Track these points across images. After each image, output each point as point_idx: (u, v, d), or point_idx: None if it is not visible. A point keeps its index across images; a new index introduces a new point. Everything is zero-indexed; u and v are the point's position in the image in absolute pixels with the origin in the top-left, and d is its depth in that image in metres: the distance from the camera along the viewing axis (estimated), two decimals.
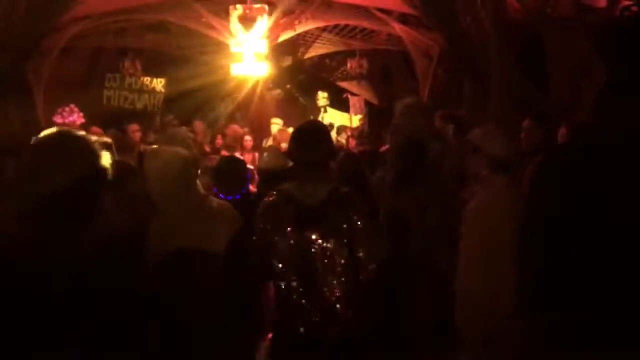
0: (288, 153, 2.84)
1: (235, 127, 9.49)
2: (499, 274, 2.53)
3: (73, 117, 8.53)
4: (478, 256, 2.91)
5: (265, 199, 2.79)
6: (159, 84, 9.66)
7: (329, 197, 2.69)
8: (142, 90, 9.58)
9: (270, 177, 4.31)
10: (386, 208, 3.56)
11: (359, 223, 2.68)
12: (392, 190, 3.56)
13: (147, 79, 9.70)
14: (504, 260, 2.35)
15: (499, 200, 2.92)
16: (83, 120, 8.58)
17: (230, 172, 3.97)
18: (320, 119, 10.37)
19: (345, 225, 2.66)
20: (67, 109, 8.51)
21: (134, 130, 8.73)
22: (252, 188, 5.83)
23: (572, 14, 5.80)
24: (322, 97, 10.45)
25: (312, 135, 2.80)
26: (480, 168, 3.04)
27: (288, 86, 12.64)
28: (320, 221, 2.65)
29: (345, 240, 2.66)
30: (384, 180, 3.77)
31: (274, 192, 2.78)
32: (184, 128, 5.74)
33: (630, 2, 5.27)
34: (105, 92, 9.48)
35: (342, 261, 2.66)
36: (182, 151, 3.03)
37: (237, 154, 8.64)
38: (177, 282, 2.65)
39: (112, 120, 9.29)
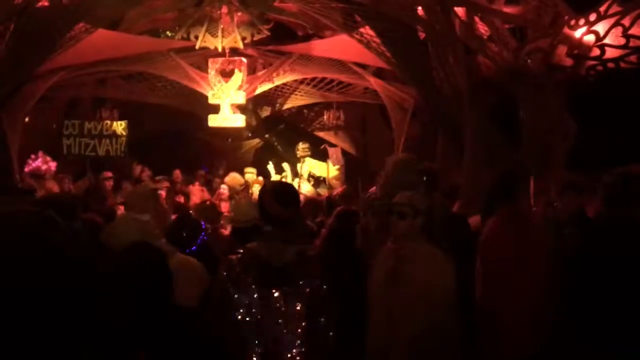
0: (261, 209, 2.78)
1: (234, 175, 9.53)
2: None
3: (40, 163, 8.46)
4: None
5: (231, 257, 2.76)
6: (119, 127, 9.09)
7: (296, 258, 2.67)
8: (103, 135, 9.03)
9: (240, 232, 4.33)
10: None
11: (323, 288, 2.68)
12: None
13: (107, 123, 9.22)
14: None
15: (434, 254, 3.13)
16: (52, 164, 8.48)
17: (180, 228, 4.06)
18: (298, 168, 10.43)
19: (308, 289, 2.64)
20: (33, 156, 8.44)
21: (106, 177, 8.67)
22: (224, 231, 5.84)
23: (542, 71, 6.03)
24: (301, 148, 10.53)
25: (288, 195, 2.79)
26: (413, 229, 3.14)
27: (267, 136, 12.76)
28: (285, 282, 2.62)
29: (307, 304, 2.63)
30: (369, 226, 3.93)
31: (241, 250, 2.75)
32: (149, 186, 5.57)
33: (596, 62, 5.52)
34: (65, 141, 8.91)
35: (304, 324, 2.62)
36: (139, 220, 3.11)
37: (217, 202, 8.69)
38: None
39: (88, 167, 9.26)
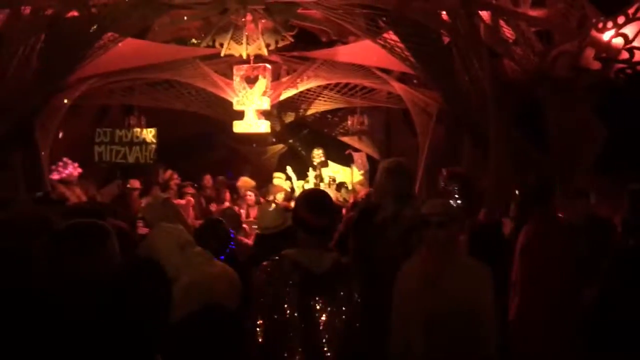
0: (295, 217, 2.78)
1: (245, 179, 9.62)
2: None
3: (68, 169, 8.62)
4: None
5: (265, 264, 2.74)
6: (149, 134, 9.42)
7: (333, 266, 2.69)
8: (133, 142, 9.38)
9: (265, 239, 4.37)
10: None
11: (356, 295, 2.70)
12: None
13: (137, 130, 9.51)
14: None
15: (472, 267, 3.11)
16: (79, 171, 8.63)
17: (210, 236, 4.05)
18: (318, 173, 10.47)
19: (345, 297, 2.67)
20: (60, 163, 8.61)
21: (134, 188, 8.82)
22: (243, 239, 5.88)
23: (569, 75, 5.96)
24: (317, 155, 10.56)
25: (322, 204, 2.78)
26: (443, 242, 3.09)
27: (291, 141, 12.83)
28: (325, 290, 2.65)
29: (343, 310, 2.66)
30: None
31: (277, 257, 2.74)
32: (160, 197, 5.56)
33: (624, 65, 5.44)
34: (96, 149, 9.31)
35: (341, 331, 2.64)
36: (174, 229, 3.40)
37: (242, 210, 8.77)
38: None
39: (116, 175, 9.43)
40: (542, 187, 3.94)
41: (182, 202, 8.29)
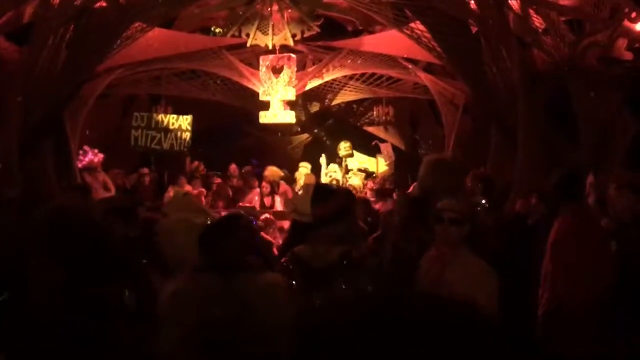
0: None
1: (272, 168, 9.69)
2: None
3: (88, 156, 8.74)
4: None
5: (282, 261, 2.82)
6: (185, 121, 9.36)
7: (340, 260, 2.67)
8: (168, 129, 9.34)
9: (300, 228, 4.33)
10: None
11: (368, 288, 2.67)
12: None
13: (173, 117, 9.45)
14: None
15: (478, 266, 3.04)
16: (100, 157, 8.74)
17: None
18: (344, 163, 10.46)
19: (350, 291, 2.63)
20: (81, 151, 8.73)
21: (144, 174, 8.95)
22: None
23: (599, 66, 5.84)
24: (343, 148, 10.53)
25: (320, 192, 2.82)
26: (454, 239, 3.06)
27: (316, 131, 12.82)
28: (326, 284, 2.63)
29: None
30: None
31: (288, 254, 2.81)
32: (179, 192, 5.55)
33: None
34: (133, 133, 9.24)
35: None
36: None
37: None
38: None
39: (143, 162, 9.54)
40: (573, 180, 3.87)
41: (195, 192, 8.36)
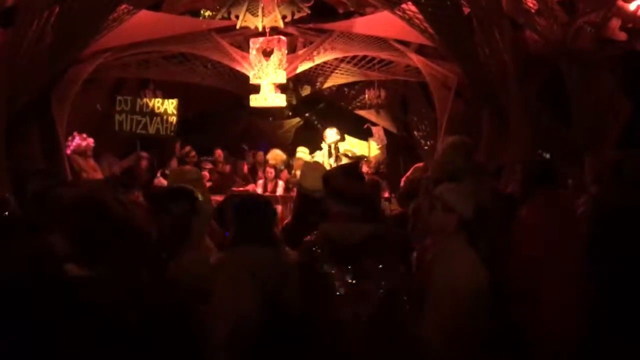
0: (330, 187, 2.81)
1: (276, 152, 9.66)
2: None
3: (75, 140, 8.64)
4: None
5: (307, 239, 2.81)
6: (170, 105, 9.12)
7: (367, 237, 2.67)
8: (154, 113, 9.10)
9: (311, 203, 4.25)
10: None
11: (397, 265, 2.71)
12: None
13: (158, 101, 9.20)
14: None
15: (463, 256, 2.96)
16: (88, 141, 8.64)
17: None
18: (333, 149, 10.45)
19: (379, 268, 2.64)
20: (70, 137, 8.61)
21: (142, 157, 8.87)
22: None
23: (593, 47, 5.80)
24: (330, 135, 10.52)
25: (354, 171, 2.86)
26: (448, 226, 3.00)
27: (307, 114, 12.74)
28: (355, 261, 2.64)
29: (382, 283, 2.62)
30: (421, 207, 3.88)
31: (315, 232, 2.80)
32: (193, 170, 5.39)
33: None
34: (117, 117, 8.96)
35: (377, 302, 2.62)
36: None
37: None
38: None
39: (133, 147, 9.42)
40: (546, 168, 3.84)
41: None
